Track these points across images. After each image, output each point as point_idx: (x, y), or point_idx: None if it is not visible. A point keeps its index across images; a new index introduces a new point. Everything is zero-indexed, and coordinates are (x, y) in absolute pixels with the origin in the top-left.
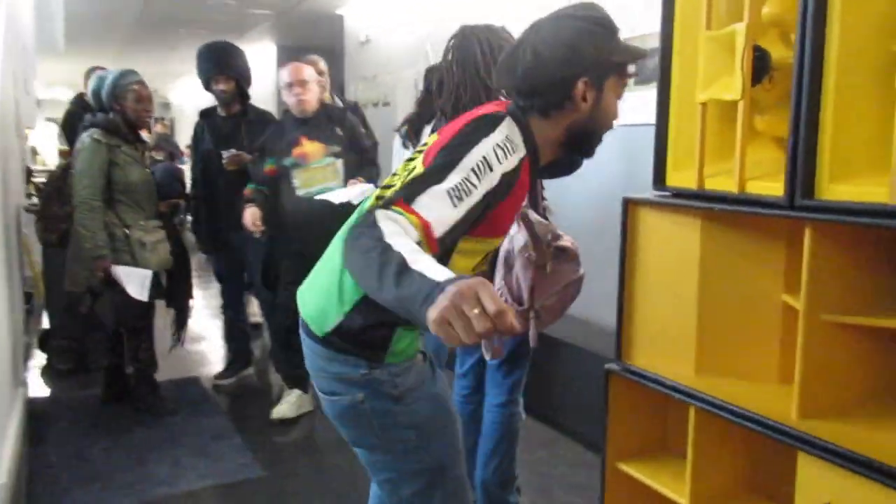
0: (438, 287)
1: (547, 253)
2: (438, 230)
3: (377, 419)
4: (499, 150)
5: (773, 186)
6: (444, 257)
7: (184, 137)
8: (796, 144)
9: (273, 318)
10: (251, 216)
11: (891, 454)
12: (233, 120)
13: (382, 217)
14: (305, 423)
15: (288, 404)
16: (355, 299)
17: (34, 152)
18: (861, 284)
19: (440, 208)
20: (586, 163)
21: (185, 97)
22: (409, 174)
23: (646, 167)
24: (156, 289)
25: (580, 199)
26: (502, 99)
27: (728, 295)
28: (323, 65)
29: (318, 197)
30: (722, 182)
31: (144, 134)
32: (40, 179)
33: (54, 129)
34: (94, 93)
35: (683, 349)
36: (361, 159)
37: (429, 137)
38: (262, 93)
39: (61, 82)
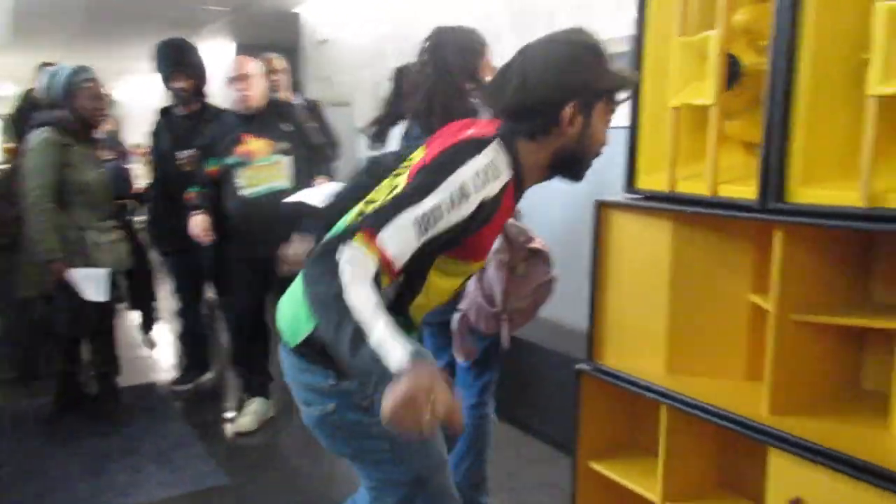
0: (394, 376)
1: (520, 255)
2: (399, 262)
3: (348, 429)
4: (478, 178)
5: (744, 190)
6: (419, 277)
7: (132, 136)
8: (769, 149)
9: (230, 325)
10: (199, 224)
11: (859, 448)
12: (191, 118)
13: (345, 261)
14: (269, 427)
15: (250, 416)
16: None
17: None
18: (828, 284)
19: (405, 241)
20: None
21: (132, 94)
22: (390, 192)
23: (614, 170)
24: (114, 290)
25: (549, 202)
26: (476, 103)
27: (697, 295)
28: (280, 63)
29: (292, 198)
30: (693, 185)
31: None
32: None
33: None
34: (46, 89)
35: (654, 349)
36: (312, 157)
37: (418, 152)
38: (219, 91)
39: (5, 77)
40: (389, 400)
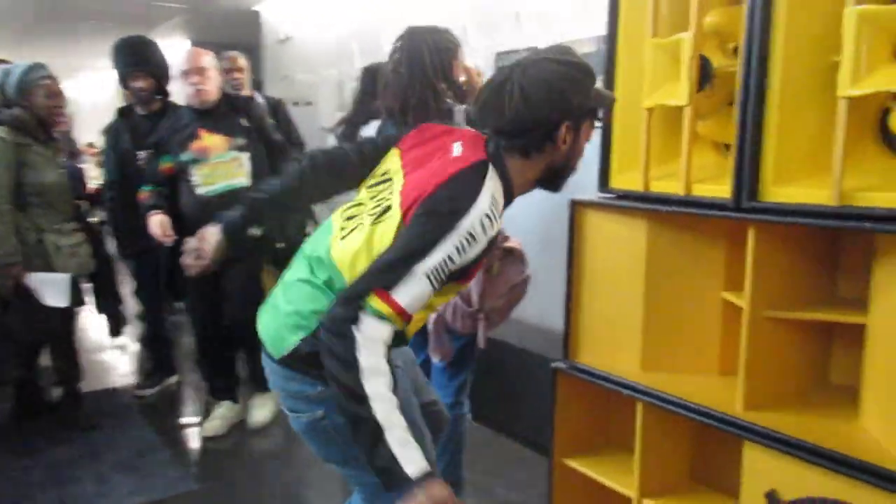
0: (410, 486)
1: (495, 254)
2: (413, 310)
3: (339, 434)
4: (486, 221)
5: (718, 189)
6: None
7: (84, 135)
8: (742, 149)
9: (193, 327)
10: (159, 225)
11: (830, 440)
12: (153, 118)
13: (363, 340)
14: (238, 432)
15: (219, 420)
16: (312, 327)
17: None
18: (798, 281)
19: (419, 293)
20: None
21: (84, 92)
22: (376, 215)
23: (586, 170)
24: (76, 295)
25: (523, 202)
26: (450, 104)
27: (671, 293)
28: (243, 61)
29: None
30: (667, 185)
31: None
32: None
33: None
34: None
35: (629, 346)
36: (271, 153)
37: (392, 159)
38: (174, 90)
39: None
40: (406, 500)
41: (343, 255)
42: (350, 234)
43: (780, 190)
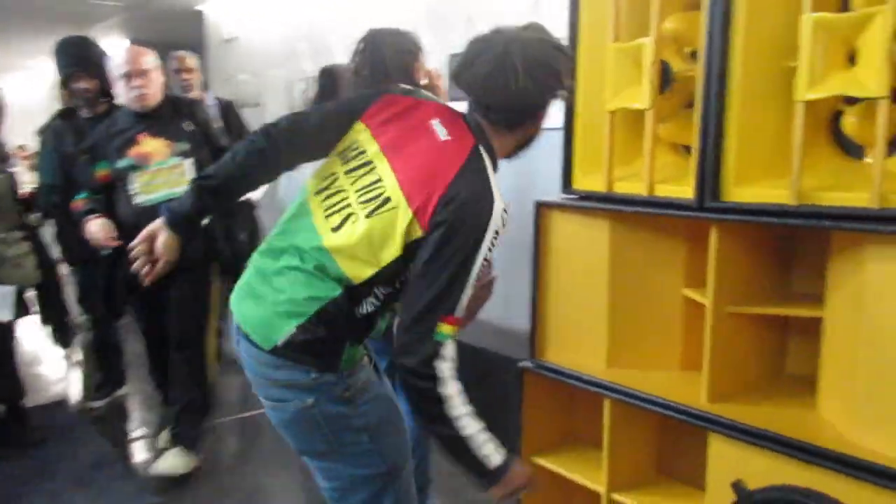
0: (496, 478)
1: None
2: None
3: (328, 423)
4: (505, 215)
5: (680, 189)
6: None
7: (13, 137)
8: (705, 151)
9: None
10: (102, 229)
11: (791, 428)
12: (98, 121)
13: (447, 371)
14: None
15: (181, 458)
16: (309, 313)
17: None
18: (757, 277)
19: (467, 299)
20: None
21: (14, 93)
22: (371, 207)
23: (549, 172)
24: (20, 307)
25: None
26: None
27: (635, 292)
28: (192, 61)
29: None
30: (629, 186)
31: None
32: None
33: None
34: None
35: (595, 344)
36: (218, 160)
37: (362, 135)
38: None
39: None
40: (500, 490)
41: (340, 247)
42: (343, 227)
43: (740, 190)
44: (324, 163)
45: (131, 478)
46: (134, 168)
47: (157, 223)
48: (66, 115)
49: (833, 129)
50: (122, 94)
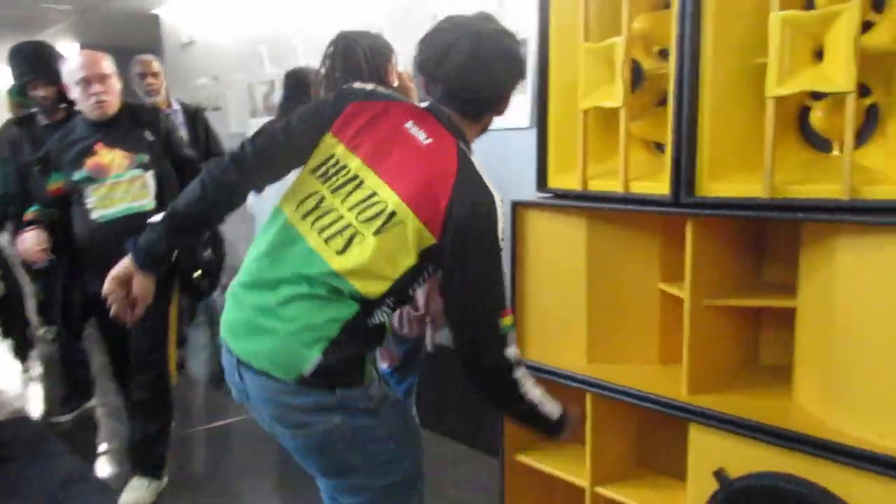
0: (560, 427)
1: None
2: None
3: (357, 438)
4: (502, 210)
5: (655, 186)
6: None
7: None
8: (679, 147)
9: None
10: (34, 241)
11: (769, 416)
12: (57, 128)
13: (514, 360)
14: (171, 455)
15: (145, 489)
16: (332, 336)
17: None
18: (731, 270)
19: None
20: None
21: None
22: (377, 225)
23: (512, 170)
24: None
25: None
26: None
27: (613, 287)
28: (157, 65)
29: None
30: (605, 183)
31: None
32: None
33: None
34: None
35: (575, 340)
36: (182, 171)
37: (336, 148)
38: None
39: None
40: (566, 434)
41: (352, 269)
42: (350, 248)
43: (715, 185)
44: (297, 183)
45: (105, 492)
46: (90, 181)
47: (127, 265)
48: (22, 122)
49: (800, 123)
50: (79, 102)
